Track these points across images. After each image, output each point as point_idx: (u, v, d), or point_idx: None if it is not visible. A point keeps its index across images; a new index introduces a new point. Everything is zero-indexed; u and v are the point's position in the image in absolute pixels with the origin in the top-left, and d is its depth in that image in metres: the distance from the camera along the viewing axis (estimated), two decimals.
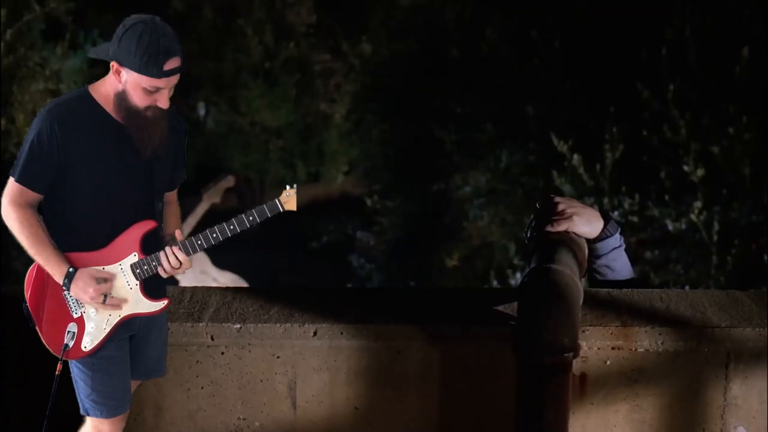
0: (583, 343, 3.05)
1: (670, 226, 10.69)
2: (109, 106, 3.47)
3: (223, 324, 3.15)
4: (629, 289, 3.36)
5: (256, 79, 21.64)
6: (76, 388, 3.59)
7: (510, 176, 12.32)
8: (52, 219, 3.54)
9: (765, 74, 10.14)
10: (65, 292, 3.53)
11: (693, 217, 10.29)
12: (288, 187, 3.57)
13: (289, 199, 3.55)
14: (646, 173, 10.89)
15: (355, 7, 21.27)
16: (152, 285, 3.57)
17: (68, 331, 3.53)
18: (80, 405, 3.62)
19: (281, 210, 3.52)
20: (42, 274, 3.55)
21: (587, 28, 12.15)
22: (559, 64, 12.32)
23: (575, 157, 10.94)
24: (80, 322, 3.56)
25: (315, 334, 3.14)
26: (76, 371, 3.60)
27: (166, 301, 3.57)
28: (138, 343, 3.65)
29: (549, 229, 3.10)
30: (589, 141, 11.31)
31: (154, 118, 3.47)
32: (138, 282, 3.52)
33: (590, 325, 3.13)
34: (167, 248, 3.50)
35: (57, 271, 3.49)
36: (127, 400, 3.59)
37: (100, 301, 3.49)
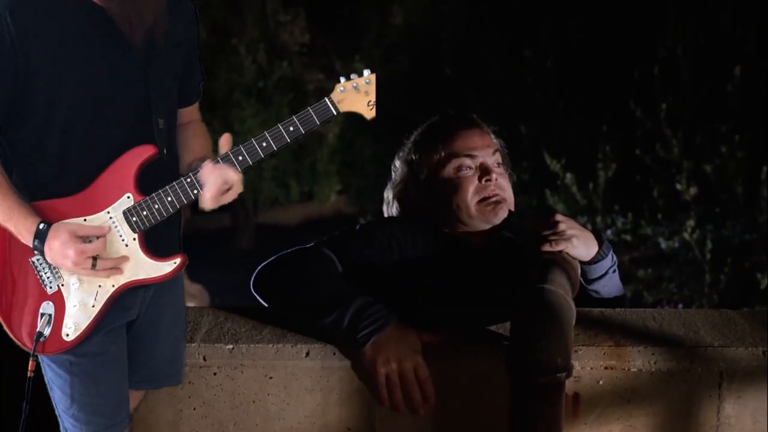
0: (576, 363, 3.05)
1: (663, 245, 10.73)
2: None
3: (216, 344, 3.13)
4: (622, 309, 3.37)
5: (250, 98, 21.70)
6: (52, 398, 2.74)
7: None
8: (12, 160, 2.54)
9: (757, 93, 10.20)
10: (33, 258, 2.55)
11: (686, 235, 10.33)
12: (343, 79, 2.66)
13: (345, 97, 2.66)
14: (639, 192, 10.94)
15: (348, 27, 21.36)
16: (157, 238, 2.64)
17: (42, 314, 2.55)
18: (60, 423, 2.76)
19: (334, 113, 2.66)
20: (3, 233, 2.55)
21: (580, 48, 12.21)
22: (552, 83, 12.37)
23: (568, 175, 10.98)
24: (58, 300, 2.56)
25: (307, 354, 3.13)
26: (50, 375, 2.68)
27: (179, 260, 2.65)
28: (141, 335, 2.79)
29: (546, 248, 3.10)
30: (582, 160, 11.35)
31: None
32: (136, 235, 2.58)
33: (583, 345, 3.13)
34: (207, 164, 2.58)
35: (23, 229, 2.48)
36: (122, 418, 2.78)
37: (88, 266, 2.50)
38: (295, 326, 3.22)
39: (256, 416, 3.19)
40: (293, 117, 2.60)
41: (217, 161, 2.60)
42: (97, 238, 2.52)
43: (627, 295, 3.53)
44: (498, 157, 3.34)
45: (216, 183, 2.59)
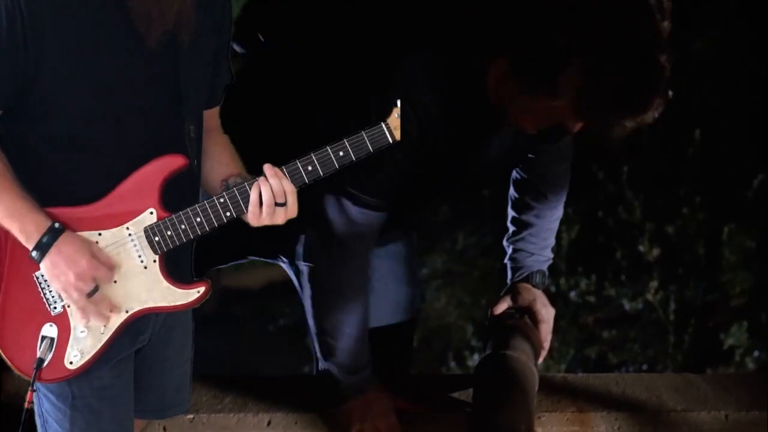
0: (539, 430, 3.04)
1: (627, 306, 10.74)
2: None
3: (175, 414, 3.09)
4: (584, 374, 3.38)
5: None
6: (42, 429, 2.52)
7: (466, 258, 12.38)
8: (14, 154, 2.29)
9: (717, 155, 10.32)
10: (37, 273, 2.31)
11: (649, 296, 10.35)
12: (400, 101, 2.32)
13: (397, 123, 2.30)
14: (602, 253, 10.97)
15: None
16: (178, 261, 2.46)
17: (43, 337, 2.29)
18: None
19: (390, 141, 2.34)
20: (2, 242, 2.34)
21: None
22: None
23: None
24: (62, 323, 2.31)
25: (269, 423, 3.11)
26: (46, 406, 2.46)
27: (203, 288, 2.46)
28: (148, 361, 2.62)
29: None
30: None
31: None
32: (157, 256, 2.35)
33: (546, 411, 3.13)
34: (267, 171, 2.34)
35: (30, 224, 2.23)
36: None
37: (88, 289, 2.27)
38: (256, 395, 3.20)
39: None
40: (344, 140, 2.33)
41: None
42: (101, 259, 2.29)
43: (592, 356, 3.58)
44: None
45: (268, 193, 2.32)
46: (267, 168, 2.33)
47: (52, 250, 2.20)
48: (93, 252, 2.25)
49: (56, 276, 2.23)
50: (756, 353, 9.93)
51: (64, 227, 2.23)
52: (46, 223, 2.21)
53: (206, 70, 2.45)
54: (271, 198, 2.29)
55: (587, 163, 11.11)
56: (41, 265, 2.23)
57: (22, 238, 2.24)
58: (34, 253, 2.24)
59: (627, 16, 2.33)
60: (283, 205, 2.30)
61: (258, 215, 2.33)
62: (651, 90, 2.41)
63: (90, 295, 2.25)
